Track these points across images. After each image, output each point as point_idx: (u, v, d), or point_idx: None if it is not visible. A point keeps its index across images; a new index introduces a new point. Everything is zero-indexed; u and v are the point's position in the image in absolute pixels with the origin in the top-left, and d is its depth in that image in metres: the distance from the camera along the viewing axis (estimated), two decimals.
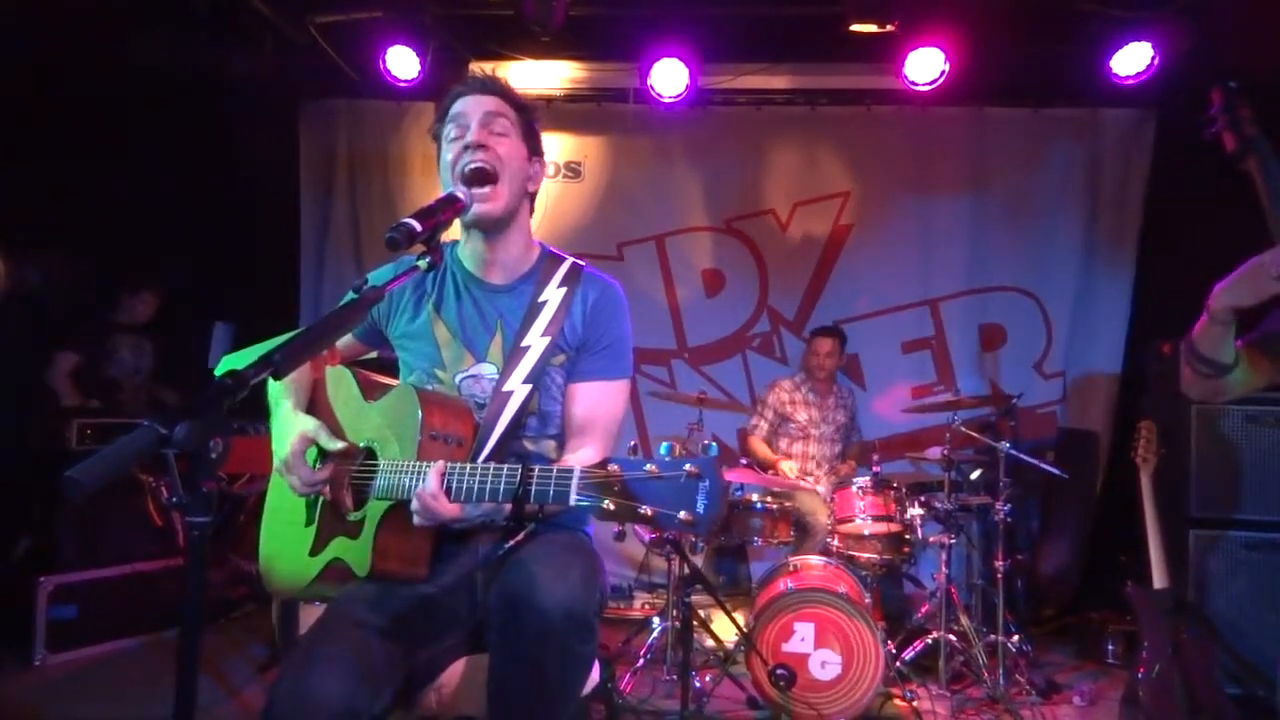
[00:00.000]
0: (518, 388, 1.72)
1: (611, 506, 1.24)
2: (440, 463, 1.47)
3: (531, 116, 1.85)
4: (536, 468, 1.35)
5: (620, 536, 1.26)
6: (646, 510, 1.22)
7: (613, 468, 1.26)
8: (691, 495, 1.21)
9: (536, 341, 1.75)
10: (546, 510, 1.39)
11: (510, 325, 1.79)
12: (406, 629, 1.58)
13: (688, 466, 1.22)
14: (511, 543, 1.54)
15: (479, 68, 1.86)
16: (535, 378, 1.74)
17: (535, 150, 1.85)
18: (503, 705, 1.51)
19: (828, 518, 4.02)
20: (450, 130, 1.78)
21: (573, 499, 1.28)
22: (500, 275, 1.84)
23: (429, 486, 1.45)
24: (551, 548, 1.58)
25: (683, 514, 1.20)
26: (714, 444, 1.24)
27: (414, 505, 1.48)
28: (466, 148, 1.72)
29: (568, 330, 1.79)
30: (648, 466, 1.24)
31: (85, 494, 0.98)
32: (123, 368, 4.73)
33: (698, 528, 1.20)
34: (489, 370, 1.77)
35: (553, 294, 1.81)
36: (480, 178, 1.69)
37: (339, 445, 1.66)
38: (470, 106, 1.77)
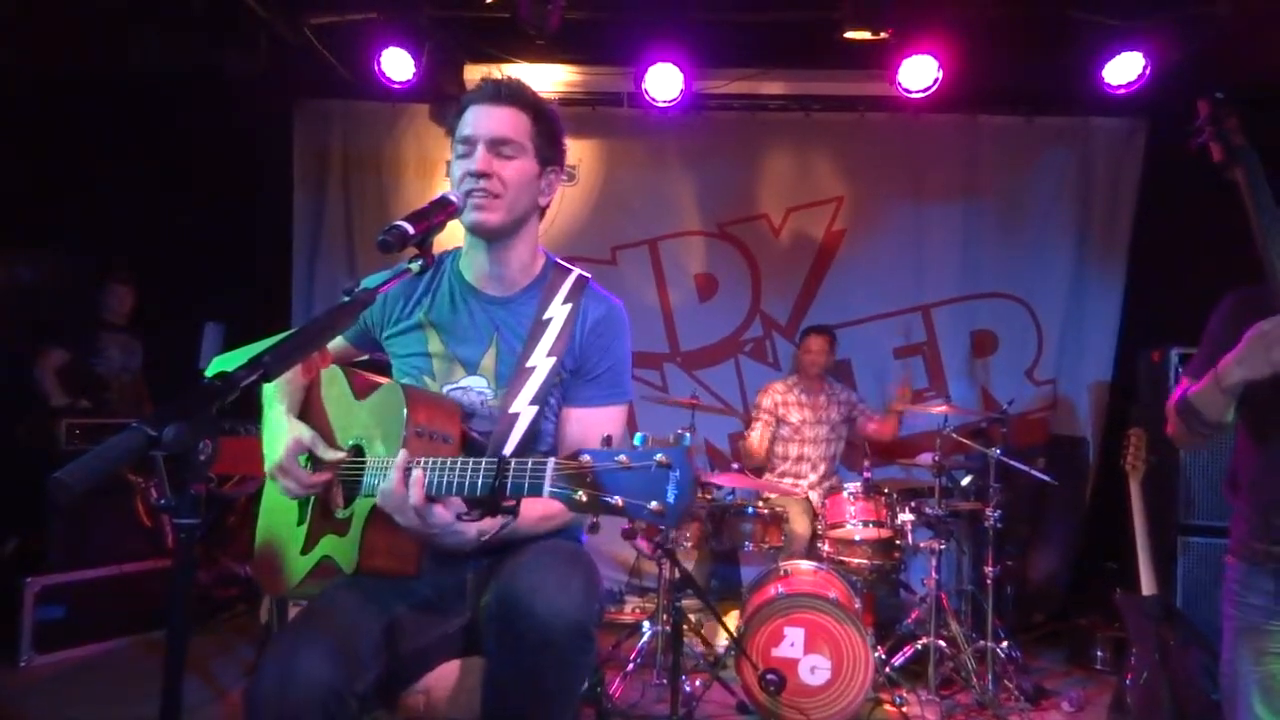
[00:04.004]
0: (524, 409, 1.68)
1: (584, 498, 1.23)
2: (403, 454, 1.45)
3: (550, 124, 1.75)
4: (512, 460, 1.34)
5: (594, 529, 1.27)
6: (617, 501, 1.21)
7: (584, 459, 1.25)
8: (662, 485, 1.19)
9: (542, 362, 1.71)
10: (527, 518, 1.38)
11: (507, 340, 1.76)
12: (391, 618, 1.59)
13: (658, 456, 1.20)
14: (493, 533, 1.53)
15: (480, 71, 1.81)
16: (541, 399, 1.70)
17: (550, 161, 1.76)
18: (499, 712, 1.51)
19: (809, 526, 4.03)
20: (458, 147, 1.70)
21: (546, 490, 1.27)
22: (499, 287, 1.79)
23: (391, 479, 1.43)
24: (552, 557, 1.57)
25: (653, 504, 1.19)
26: (686, 434, 1.19)
27: (377, 499, 1.47)
28: (469, 174, 1.66)
29: (570, 350, 1.75)
30: (619, 457, 1.23)
31: (73, 496, 0.97)
32: (110, 366, 4.71)
33: (667, 518, 1.19)
34: (479, 384, 1.75)
35: (558, 311, 1.75)
36: (480, 197, 1.67)
37: (335, 455, 1.65)
38: (480, 126, 1.68)
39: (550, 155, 1.76)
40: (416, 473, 1.43)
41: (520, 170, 1.70)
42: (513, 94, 1.71)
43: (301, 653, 1.42)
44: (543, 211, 1.82)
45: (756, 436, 4.55)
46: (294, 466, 1.64)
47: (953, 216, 5.18)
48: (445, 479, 1.42)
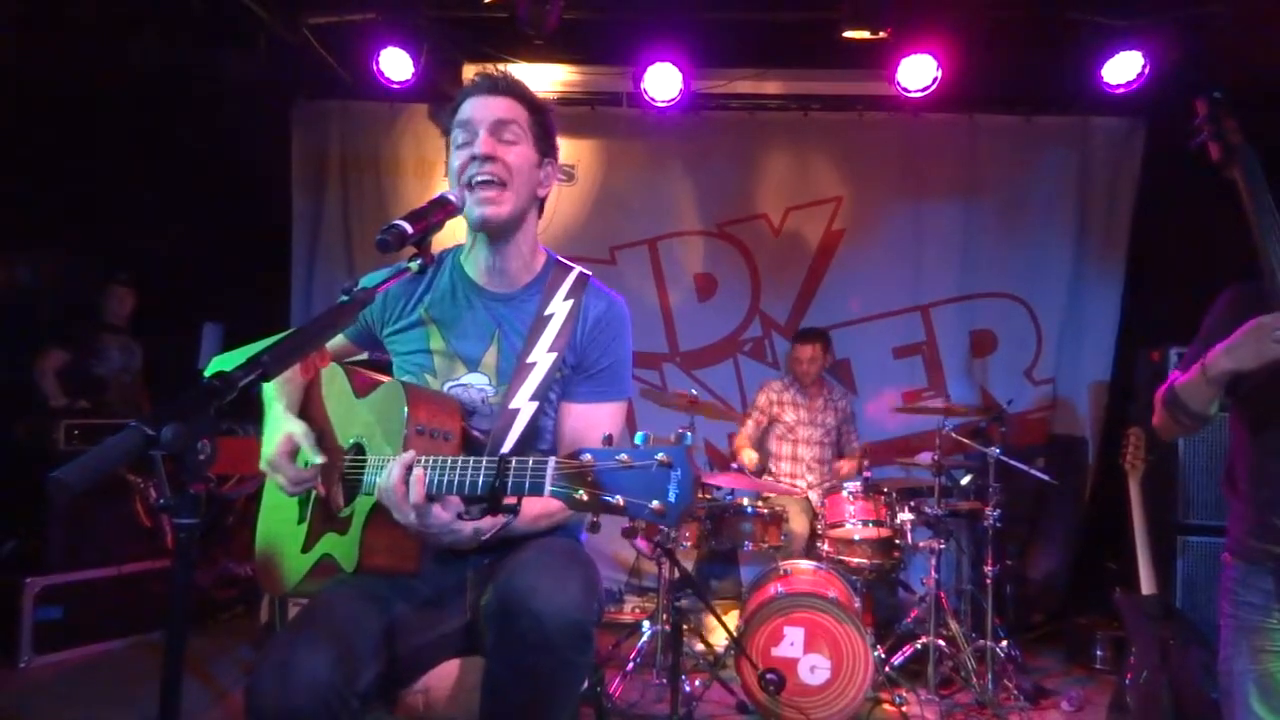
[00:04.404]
0: (524, 405, 1.68)
1: (585, 497, 1.23)
2: (410, 452, 1.45)
3: (545, 117, 1.77)
4: (513, 459, 1.34)
5: (594, 528, 1.26)
6: (618, 500, 1.21)
7: (586, 458, 1.25)
8: (663, 484, 1.20)
9: (542, 358, 1.71)
10: (525, 515, 1.38)
11: (508, 337, 1.76)
12: (391, 617, 1.59)
13: (659, 455, 1.20)
14: (491, 532, 1.53)
15: (479, 69, 1.80)
16: (541, 395, 1.70)
17: (547, 152, 1.78)
18: (498, 711, 1.51)
19: (808, 525, 4.03)
20: (459, 136, 1.71)
21: (547, 489, 1.28)
22: (502, 283, 1.79)
23: (392, 476, 1.43)
24: (552, 556, 1.56)
25: (654, 503, 1.19)
26: (688, 433, 1.19)
27: (376, 494, 1.47)
28: (474, 158, 1.66)
29: (571, 345, 1.75)
30: (620, 456, 1.23)
31: (71, 496, 0.97)
32: (111, 367, 4.71)
33: (668, 518, 1.19)
34: (480, 380, 1.75)
35: (559, 307, 1.75)
36: (486, 188, 1.67)
37: (321, 459, 1.64)
38: (479, 111, 1.69)
39: (546, 147, 1.78)
40: (417, 471, 1.43)
41: (522, 155, 1.71)
42: (509, 86, 1.73)
43: (301, 651, 1.43)
44: (541, 206, 1.83)
45: (744, 434, 4.56)
46: (286, 463, 1.64)
47: (952, 216, 5.18)
48: (446, 478, 1.42)
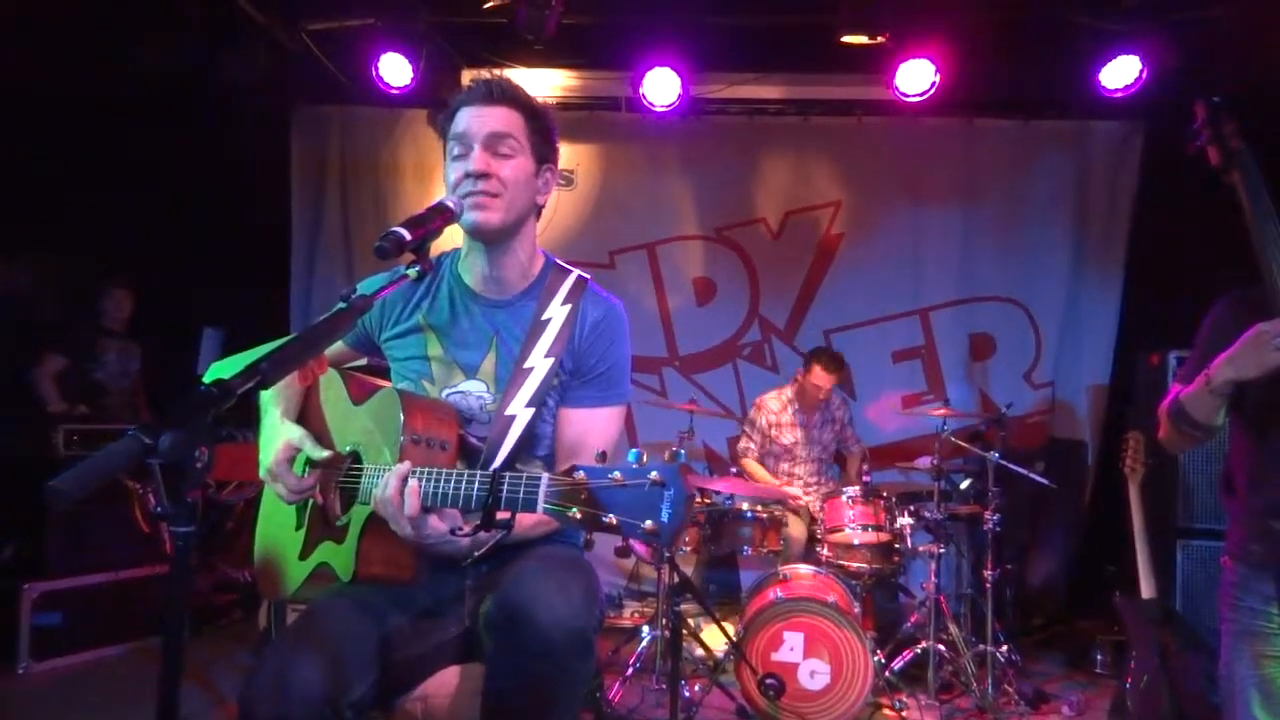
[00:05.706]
0: (520, 411, 1.66)
1: (578, 515, 1.23)
2: (405, 464, 1.44)
3: (543, 121, 1.72)
4: (507, 474, 1.33)
5: (589, 545, 1.24)
6: (611, 519, 1.21)
7: (579, 475, 1.25)
8: (656, 504, 1.19)
9: (540, 363, 1.69)
10: (521, 524, 1.38)
11: (506, 343, 1.74)
12: (387, 626, 1.58)
13: (652, 474, 1.20)
14: (489, 544, 1.52)
15: (477, 74, 1.77)
16: (538, 400, 1.68)
17: (545, 159, 1.74)
18: (498, 719, 1.50)
19: (807, 530, 4.02)
20: (453, 148, 1.67)
21: (540, 506, 1.27)
22: (500, 289, 1.77)
23: (389, 488, 1.42)
24: (553, 564, 1.56)
25: (647, 523, 1.19)
26: (682, 450, 1.19)
27: (373, 505, 1.47)
28: (468, 175, 1.64)
29: (569, 350, 1.73)
30: (613, 474, 1.22)
31: (68, 504, 0.97)
32: (109, 372, 4.71)
33: (661, 537, 1.18)
34: (478, 388, 1.73)
35: (557, 311, 1.73)
36: (480, 197, 1.65)
37: (324, 454, 1.63)
38: (474, 124, 1.65)
39: (545, 153, 1.74)
40: (412, 483, 1.42)
41: (518, 168, 1.68)
42: (505, 93, 1.69)
43: (295, 663, 1.42)
44: (539, 211, 1.80)
45: (753, 457, 4.53)
46: (285, 470, 1.63)
47: (951, 220, 5.19)
48: (440, 489, 1.41)
